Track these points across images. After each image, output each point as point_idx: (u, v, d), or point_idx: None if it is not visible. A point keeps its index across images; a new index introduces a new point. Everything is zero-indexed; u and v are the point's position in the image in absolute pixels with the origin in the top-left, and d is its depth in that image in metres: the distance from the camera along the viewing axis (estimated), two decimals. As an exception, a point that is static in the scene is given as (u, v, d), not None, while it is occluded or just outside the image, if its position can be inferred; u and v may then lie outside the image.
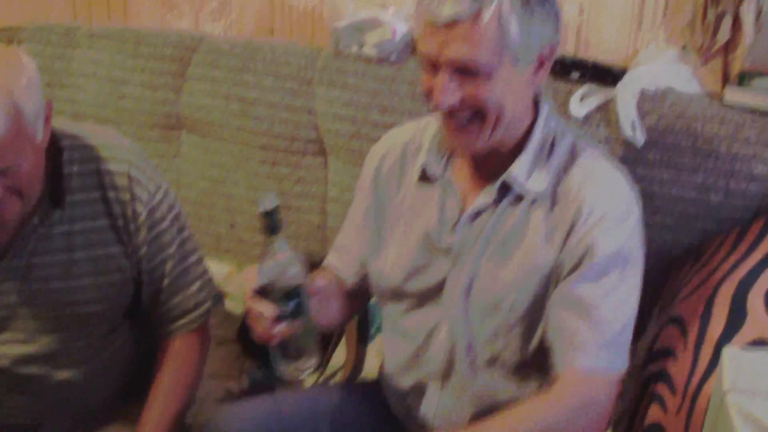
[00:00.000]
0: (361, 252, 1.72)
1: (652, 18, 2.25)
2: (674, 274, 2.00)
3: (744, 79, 2.04)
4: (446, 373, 1.61)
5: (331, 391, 1.88)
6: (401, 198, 1.65)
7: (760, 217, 1.92)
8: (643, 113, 2.05)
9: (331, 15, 2.62)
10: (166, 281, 1.72)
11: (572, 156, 1.52)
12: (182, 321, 1.76)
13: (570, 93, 2.14)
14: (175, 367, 1.74)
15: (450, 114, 1.45)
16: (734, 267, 1.74)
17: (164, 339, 1.77)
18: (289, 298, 1.39)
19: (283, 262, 1.39)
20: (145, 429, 1.68)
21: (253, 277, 1.42)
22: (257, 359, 2.14)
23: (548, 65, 1.48)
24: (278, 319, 1.39)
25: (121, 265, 1.67)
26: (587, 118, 2.11)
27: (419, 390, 1.66)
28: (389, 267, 1.64)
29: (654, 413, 1.64)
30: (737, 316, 1.62)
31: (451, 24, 1.36)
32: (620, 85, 2.09)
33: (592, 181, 1.49)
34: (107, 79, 2.66)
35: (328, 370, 2.25)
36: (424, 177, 1.62)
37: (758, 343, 1.56)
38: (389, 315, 1.70)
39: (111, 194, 1.64)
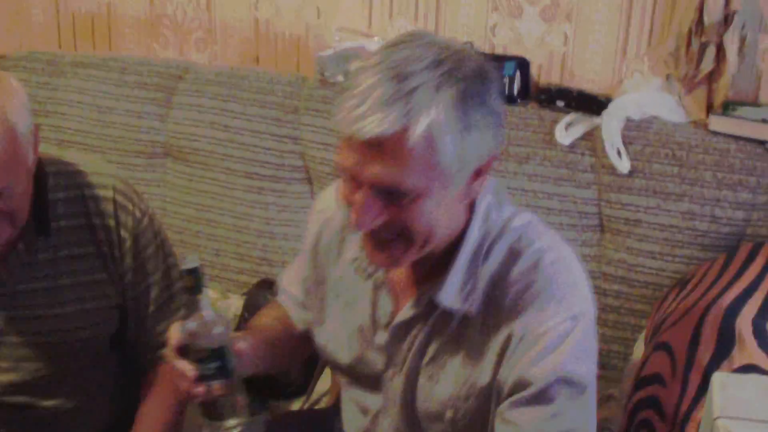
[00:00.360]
0: (305, 303, 1.62)
1: (637, 48, 2.27)
2: (660, 301, 2.00)
3: (728, 107, 2.06)
4: None
5: (318, 416, 1.86)
6: (339, 274, 1.50)
7: (746, 243, 1.92)
8: (628, 141, 2.07)
9: (316, 44, 2.64)
10: (151, 308, 1.71)
11: (510, 261, 1.32)
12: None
13: (555, 121, 2.16)
14: (161, 395, 1.72)
15: (371, 232, 1.26)
16: (721, 293, 1.74)
17: (150, 366, 1.75)
18: (211, 359, 1.34)
19: (206, 323, 1.35)
20: (131, 457, 1.67)
21: (176, 334, 1.35)
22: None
23: (489, 171, 1.28)
24: (199, 379, 1.34)
25: (106, 292, 1.65)
26: (572, 145, 2.12)
27: None
28: (331, 346, 1.52)
29: (643, 440, 1.64)
30: (725, 342, 1.62)
31: (374, 141, 1.15)
32: (605, 113, 2.10)
33: (526, 298, 1.28)
34: (92, 107, 2.66)
35: (314, 395, 2.23)
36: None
37: (747, 369, 1.56)
38: (341, 380, 1.60)
39: (96, 220, 1.63)
